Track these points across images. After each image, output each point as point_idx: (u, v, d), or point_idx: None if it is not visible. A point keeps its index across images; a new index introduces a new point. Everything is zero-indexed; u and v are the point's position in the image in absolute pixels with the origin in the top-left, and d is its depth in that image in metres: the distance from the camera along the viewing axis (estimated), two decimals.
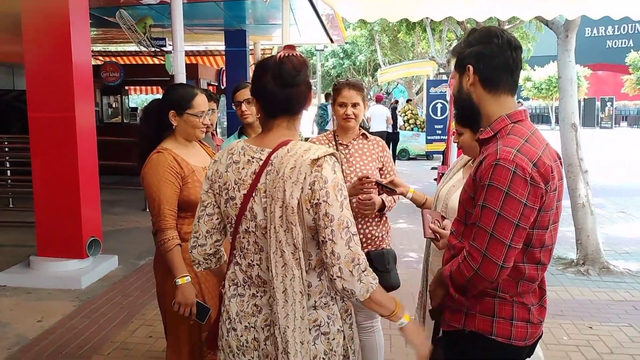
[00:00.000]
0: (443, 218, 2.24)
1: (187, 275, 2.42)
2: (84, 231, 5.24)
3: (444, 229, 2.14)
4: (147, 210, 8.24)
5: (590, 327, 4.25)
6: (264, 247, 1.72)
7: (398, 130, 15.61)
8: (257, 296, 1.76)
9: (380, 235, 2.92)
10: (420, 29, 16.01)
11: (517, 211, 1.60)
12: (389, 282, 2.83)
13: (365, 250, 2.83)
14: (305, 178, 1.64)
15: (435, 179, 10.69)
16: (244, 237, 1.77)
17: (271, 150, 1.72)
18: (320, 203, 1.63)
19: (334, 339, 1.77)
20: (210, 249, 1.90)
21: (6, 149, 8.43)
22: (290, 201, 1.63)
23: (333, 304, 1.79)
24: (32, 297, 4.82)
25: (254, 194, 1.71)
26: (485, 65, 1.74)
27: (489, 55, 1.74)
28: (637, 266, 5.82)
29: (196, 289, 2.48)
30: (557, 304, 4.65)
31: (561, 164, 1.82)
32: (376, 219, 2.90)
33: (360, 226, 2.85)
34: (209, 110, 2.63)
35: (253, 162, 1.74)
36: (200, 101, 2.56)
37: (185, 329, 2.54)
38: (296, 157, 1.66)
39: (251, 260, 1.77)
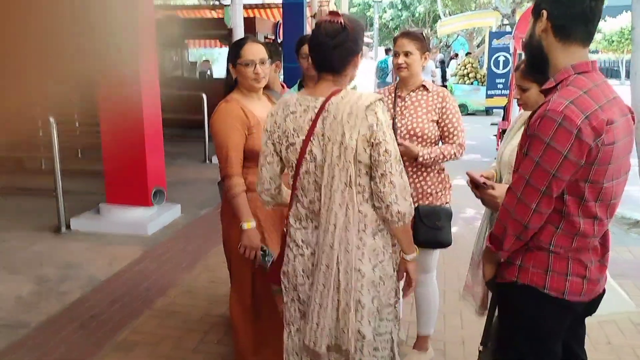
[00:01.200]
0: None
1: (252, 220, 2.51)
2: (149, 180, 5.47)
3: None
4: (207, 162, 8.50)
5: None
6: (320, 185, 1.92)
7: (445, 84, 15.24)
8: (318, 228, 1.96)
9: (435, 191, 2.87)
10: None
11: (556, 162, 1.61)
12: (437, 239, 2.83)
13: (416, 204, 2.82)
14: (362, 122, 1.84)
15: (495, 135, 10.43)
16: (304, 178, 1.97)
17: (325, 98, 1.91)
18: (380, 142, 1.85)
19: (387, 264, 2.00)
20: (275, 190, 2.15)
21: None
22: (349, 142, 1.83)
23: (387, 233, 2.00)
24: (102, 241, 5.11)
25: (312, 138, 1.92)
26: (560, 12, 1.69)
27: (565, 2, 1.68)
28: None
29: (260, 238, 2.57)
30: (618, 264, 4.54)
31: (633, 118, 1.77)
32: (430, 174, 2.86)
33: (411, 180, 2.83)
34: (262, 60, 2.57)
35: (309, 110, 1.94)
36: (248, 49, 2.55)
37: (248, 274, 2.66)
38: (352, 104, 1.86)
39: (312, 197, 1.97)
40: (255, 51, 2.56)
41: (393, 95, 2.91)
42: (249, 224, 2.50)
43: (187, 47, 13.83)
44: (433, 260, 3.01)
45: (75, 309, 3.77)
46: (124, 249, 4.91)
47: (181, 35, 11.97)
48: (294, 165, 1.98)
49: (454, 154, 2.82)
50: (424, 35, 2.89)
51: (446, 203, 2.93)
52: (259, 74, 2.56)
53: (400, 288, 2.18)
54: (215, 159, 7.55)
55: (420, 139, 2.78)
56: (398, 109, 2.85)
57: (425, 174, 2.86)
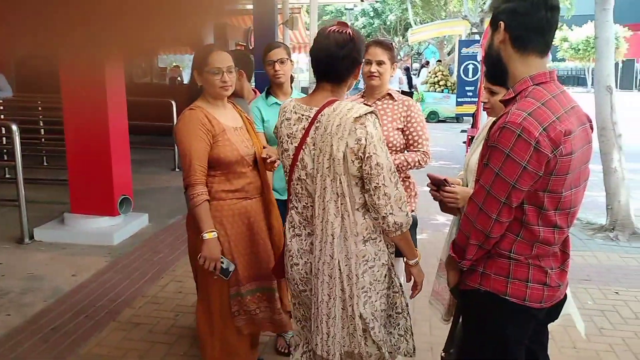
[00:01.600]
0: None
1: (213, 231, 2.48)
2: (115, 189, 5.37)
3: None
4: (177, 169, 8.40)
5: (617, 293, 4.22)
6: (312, 193, 1.97)
7: (412, 90, 15.46)
8: (312, 235, 2.01)
9: None
10: None
11: (516, 173, 1.64)
12: None
13: None
14: (349, 134, 1.87)
15: (464, 142, 10.55)
16: (297, 184, 2.04)
17: (318, 108, 1.96)
18: (371, 155, 1.87)
19: (378, 270, 2.04)
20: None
21: (39, 109, 8.59)
22: (337, 154, 1.87)
23: (380, 240, 2.04)
24: (67, 252, 4.99)
25: (303, 147, 1.97)
26: (517, 23, 1.71)
27: (522, 14, 1.70)
28: None
29: (225, 247, 2.54)
30: (584, 269, 4.62)
31: (591, 127, 1.79)
32: None
33: None
34: (229, 68, 2.56)
35: (303, 119, 1.99)
36: (216, 58, 2.53)
37: (215, 284, 2.62)
38: (341, 116, 1.89)
39: (305, 203, 2.03)
40: (222, 59, 2.55)
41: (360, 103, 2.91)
42: (210, 234, 2.47)
43: (157, 53, 13.68)
44: (399, 268, 3.01)
45: (37, 321, 3.67)
46: (89, 259, 4.80)
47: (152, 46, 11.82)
48: (287, 171, 2.06)
49: (419, 161, 2.83)
50: (393, 45, 2.92)
51: (412, 211, 2.93)
52: (226, 82, 2.54)
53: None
54: None
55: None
56: None
57: None
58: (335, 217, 1.92)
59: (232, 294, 2.64)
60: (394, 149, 2.81)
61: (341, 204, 1.92)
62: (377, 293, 2.05)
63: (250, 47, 12.78)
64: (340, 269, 1.95)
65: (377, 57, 2.80)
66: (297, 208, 2.07)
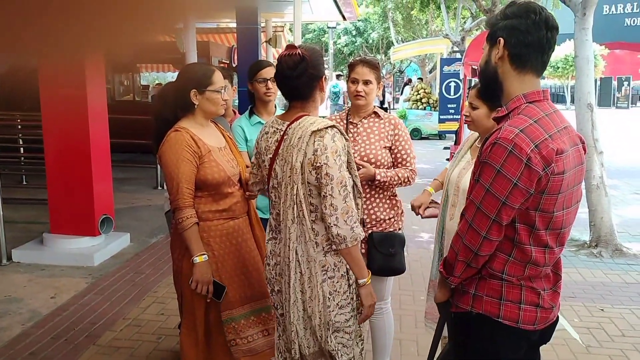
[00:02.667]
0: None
1: (204, 254, 2.45)
2: (96, 209, 5.27)
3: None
4: (159, 188, 8.31)
5: (602, 310, 4.22)
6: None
7: (386, 105, 15.61)
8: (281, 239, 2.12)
9: (388, 218, 2.86)
10: (434, 5, 15.78)
11: (506, 189, 1.63)
12: (391, 266, 2.81)
13: (369, 231, 2.81)
14: (307, 145, 2.02)
15: (447, 159, 10.61)
16: (272, 192, 2.19)
17: (288, 123, 2.12)
18: (322, 165, 1.99)
19: (337, 282, 2.10)
20: (258, 193, 2.44)
21: (19, 127, 8.46)
22: (295, 164, 2.01)
23: None
24: (46, 273, 4.87)
25: (276, 158, 2.12)
26: (517, 40, 1.70)
27: (523, 31, 1.69)
28: None
29: (213, 268, 2.50)
30: (569, 286, 4.63)
31: (584, 148, 1.79)
32: (383, 200, 2.85)
33: (365, 206, 2.81)
34: (225, 87, 2.64)
35: (277, 132, 2.16)
36: (219, 77, 2.60)
37: (201, 307, 2.57)
38: (303, 129, 2.04)
39: (279, 210, 2.13)
40: (222, 78, 2.62)
41: (345, 121, 2.90)
42: (201, 258, 2.44)
43: (139, 71, 13.62)
44: (387, 288, 2.97)
45: (14, 346, 3.55)
46: (68, 281, 4.69)
47: (132, 59, 11.77)
48: (266, 180, 2.22)
49: (407, 178, 2.83)
50: (379, 64, 2.91)
51: (399, 229, 2.92)
52: (226, 101, 2.64)
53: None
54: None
55: (373, 166, 2.77)
56: (350, 135, 2.85)
57: (378, 200, 2.84)
58: (292, 222, 2.05)
59: (225, 320, 2.58)
60: (382, 167, 2.79)
61: (299, 210, 2.04)
62: (337, 304, 2.10)
63: (234, 65, 12.79)
64: (301, 271, 2.07)
65: (364, 77, 2.78)
66: (272, 214, 2.22)
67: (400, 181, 2.81)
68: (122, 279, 4.77)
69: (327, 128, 2.04)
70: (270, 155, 2.16)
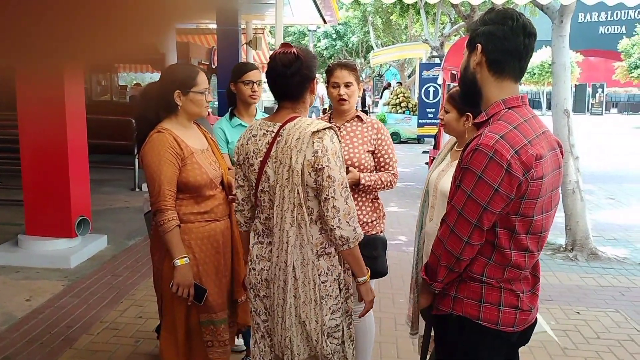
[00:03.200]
0: None
1: (185, 257, 2.43)
2: (72, 210, 5.19)
3: None
4: (137, 189, 8.22)
5: (578, 312, 4.30)
6: (273, 203, 2.05)
7: (366, 108, 15.72)
8: (272, 244, 2.08)
9: (371, 221, 2.87)
10: (413, 11, 15.89)
11: (487, 195, 1.64)
12: (375, 269, 2.77)
13: None
14: (307, 147, 1.97)
15: (426, 163, 10.68)
16: (261, 196, 2.12)
17: (281, 124, 2.06)
18: (324, 167, 1.97)
19: (330, 286, 2.09)
20: (248, 213, 2.26)
21: None
22: (295, 166, 1.97)
23: (334, 255, 2.10)
24: (21, 275, 4.78)
25: (267, 160, 2.06)
26: (494, 46, 1.71)
27: (501, 38, 1.70)
28: (625, 252, 5.89)
29: (194, 271, 2.49)
30: (545, 289, 4.69)
31: (562, 152, 1.81)
32: (366, 203, 2.86)
33: None
34: (208, 87, 2.63)
35: (267, 134, 2.09)
36: (204, 78, 2.58)
37: (182, 310, 2.54)
38: (300, 130, 2.00)
39: (268, 214, 2.11)
40: (206, 79, 2.61)
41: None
42: (182, 261, 2.42)
43: (117, 71, 13.47)
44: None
45: None
46: (44, 283, 4.61)
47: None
48: (254, 184, 2.14)
49: (390, 182, 2.84)
50: (356, 65, 2.92)
51: (381, 232, 2.93)
52: (208, 102, 2.61)
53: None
54: (145, 187, 7.37)
55: (357, 170, 2.77)
56: None
57: (361, 203, 2.84)
58: (291, 226, 2.00)
59: (203, 321, 2.56)
60: (365, 171, 2.80)
61: (298, 213, 2.00)
62: (329, 308, 2.09)
63: (213, 67, 12.72)
64: (295, 276, 2.02)
65: (345, 80, 2.78)
66: (260, 218, 2.16)
67: (383, 185, 2.82)
68: (99, 281, 4.70)
69: (325, 129, 2.01)
70: (261, 158, 2.09)
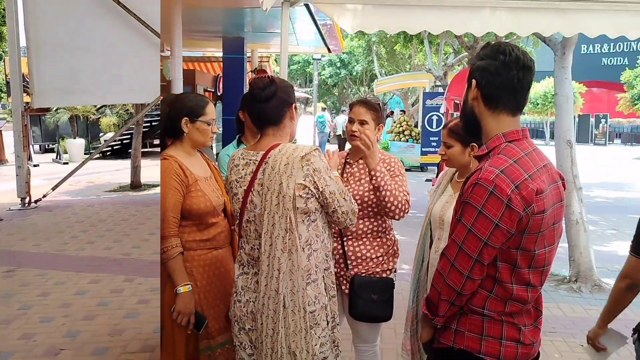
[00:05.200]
0: None
1: (188, 284, 2.45)
2: None
3: None
4: None
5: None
6: (261, 233, 2.03)
7: None
8: (258, 274, 2.05)
9: (376, 256, 2.73)
10: (417, 41, 16.09)
11: (487, 230, 1.64)
12: (373, 313, 2.69)
13: (353, 271, 2.70)
14: (297, 171, 1.99)
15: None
16: (246, 226, 2.12)
17: (264, 152, 2.08)
18: (324, 188, 2.03)
19: (318, 314, 2.07)
20: None
21: None
22: (287, 191, 1.97)
23: (320, 282, 2.09)
24: None
25: (252, 189, 2.07)
26: (487, 81, 1.73)
27: (493, 72, 1.72)
28: None
29: (195, 299, 2.49)
30: (549, 321, 4.64)
31: (564, 185, 1.81)
32: (370, 238, 2.73)
33: (350, 243, 2.72)
34: (215, 119, 2.68)
35: (250, 163, 2.11)
36: (212, 109, 2.64)
37: (182, 338, 2.54)
38: (287, 155, 2.02)
39: (253, 245, 2.10)
40: (214, 110, 2.67)
41: (344, 161, 2.86)
42: (185, 288, 2.43)
43: None
44: (374, 331, 2.88)
45: None
46: None
47: None
48: (238, 214, 2.14)
49: (401, 201, 2.63)
50: (381, 105, 2.82)
51: (389, 271, 2.78)
52: (214, 132, 2.66)
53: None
54: None
55: (359, 207, 2.59)
56: (345, 174, 2.80)
57: (365, 237, 2.74)
58: (282, 252, 1.98)
59: (202, 349, 2.56)
60: (364, 208, 2.69)
61: (289, 239, 1.98)
62: (318, 337, 2.06)
63: (219, 94, 12.85)
64: (284, 305, 1.98)
65: (360, 117, 2.70)
66: (245, 249, 2.15)
67: (392, 196, 2.59)
68: None
69: (312, 152, 2.05)
70: (245, 187, 2.09)
